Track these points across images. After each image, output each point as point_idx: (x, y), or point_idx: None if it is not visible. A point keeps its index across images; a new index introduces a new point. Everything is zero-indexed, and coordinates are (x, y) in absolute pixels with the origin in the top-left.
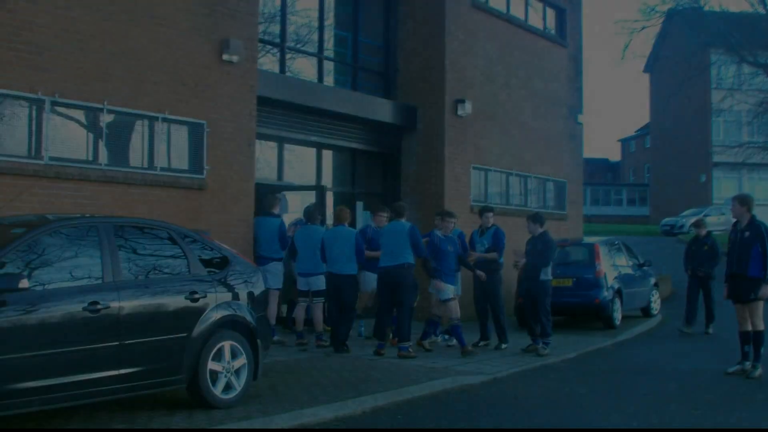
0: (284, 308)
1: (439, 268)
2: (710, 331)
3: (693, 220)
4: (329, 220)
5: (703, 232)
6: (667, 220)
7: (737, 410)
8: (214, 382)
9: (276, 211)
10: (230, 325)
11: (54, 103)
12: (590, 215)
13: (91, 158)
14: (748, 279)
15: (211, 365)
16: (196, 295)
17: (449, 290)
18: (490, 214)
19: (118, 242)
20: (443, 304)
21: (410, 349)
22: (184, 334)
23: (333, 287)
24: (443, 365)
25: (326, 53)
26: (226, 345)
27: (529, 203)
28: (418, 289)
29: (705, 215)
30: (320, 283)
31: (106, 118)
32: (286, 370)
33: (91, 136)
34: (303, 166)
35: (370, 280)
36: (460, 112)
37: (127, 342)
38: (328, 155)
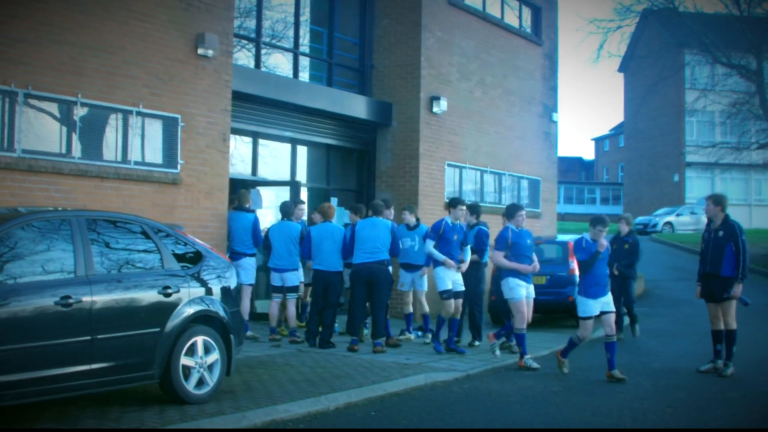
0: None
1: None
2: (637, 332)
3: (618, 216)
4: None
5: (626, 229)
6: (639, 219)
7: (711, 408)
8: (187, 377)
9: (249, 205)
10: (203, 320)
11: (27, 96)
12: (564, 213)
13: (64, 151)
14: (721, 278)
15: (184, 360)
16: (169, 290)
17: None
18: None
19: (91, 236)
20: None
21: (384, 346)
22: (157, 329)
23: (321, 284)
24: (417, 362)
25: (302, 49)
26: (199, 340)
27: (504, 201)
28: (392, 286)
29: (677, 214)
30: (294, 278)
31: (79, 111)
32: (259, 365)
33: (64, 129)
34: (277, 162)
35: None
36: (435, 109)
37: (99, 337)
38: (302, 151)
